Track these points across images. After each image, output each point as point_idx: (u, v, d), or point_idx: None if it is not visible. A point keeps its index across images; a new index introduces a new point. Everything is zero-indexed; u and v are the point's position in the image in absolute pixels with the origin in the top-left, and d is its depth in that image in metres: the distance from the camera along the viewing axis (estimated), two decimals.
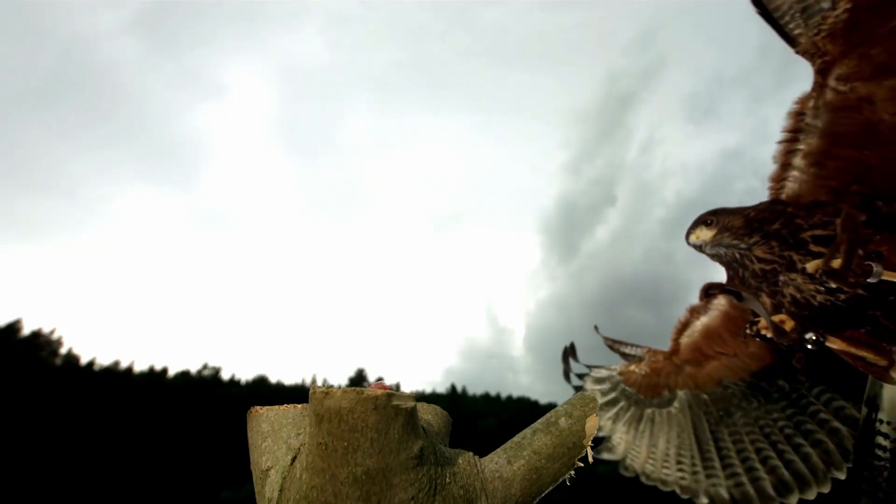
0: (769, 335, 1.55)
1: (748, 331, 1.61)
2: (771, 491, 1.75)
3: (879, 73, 1.23)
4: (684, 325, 1.96)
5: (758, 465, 1.80)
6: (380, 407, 0.77)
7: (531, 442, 0.89)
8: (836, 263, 1.36)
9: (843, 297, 1.43)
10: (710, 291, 1.41)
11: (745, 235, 1.59)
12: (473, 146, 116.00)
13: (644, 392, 2.01)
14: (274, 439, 0.89)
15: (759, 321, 1.57)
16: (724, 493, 1.81)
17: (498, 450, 0.90)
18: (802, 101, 1.46)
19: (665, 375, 1.99)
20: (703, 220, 1.72)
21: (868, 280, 1.33)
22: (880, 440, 1.59)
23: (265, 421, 0.92)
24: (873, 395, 1.63)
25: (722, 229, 1.64)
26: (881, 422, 1.60)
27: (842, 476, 1.70)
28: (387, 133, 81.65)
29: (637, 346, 2.08)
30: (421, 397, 0.94)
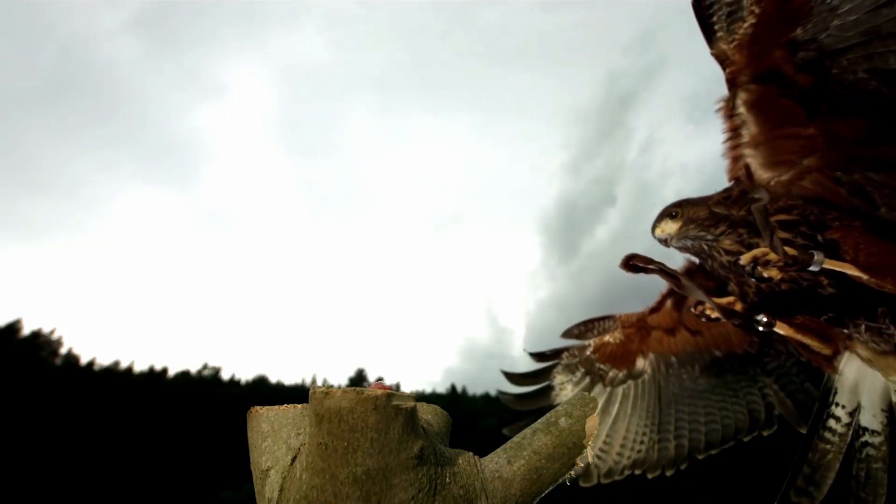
0: (714, 316, 1.55)
1: (693, 310, 1.61)
2: (702, 445, 1.92)
3: (775, 79, 1.36)
4: (670, 292, 1.98)
5: (700, 426, 1.93)
6: (380, 407, 0.77)
7: (531, 442, 0.89)
8: (773, 256, 1.35)
9: (805, 284, 1.42)
10: (631, 262, 1.30)
11: (710, 226, 1.57)
12: (473, 146, 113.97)
13: (618, 363, 2.04)
14: (274, 439, 0.89)
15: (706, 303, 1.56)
16: (670, 453, 1.96)
17: (498, 450, 0.90)
18: (726, 101, 1.51)
19: (638, 341, 2.03)
20: (668, 213, 1.69)
21: (811, 269, 1.32)
22: (831, 423, 1.55)
23: (265, 421, 0.92)
24: (833, 380, 1.60)
25: (687, 221, 1.61)
26: (837, 405, 1.56)
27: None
28: (387, 133, 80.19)
29: (607, 317, 2.09)
30: (421, 397, 0.95)
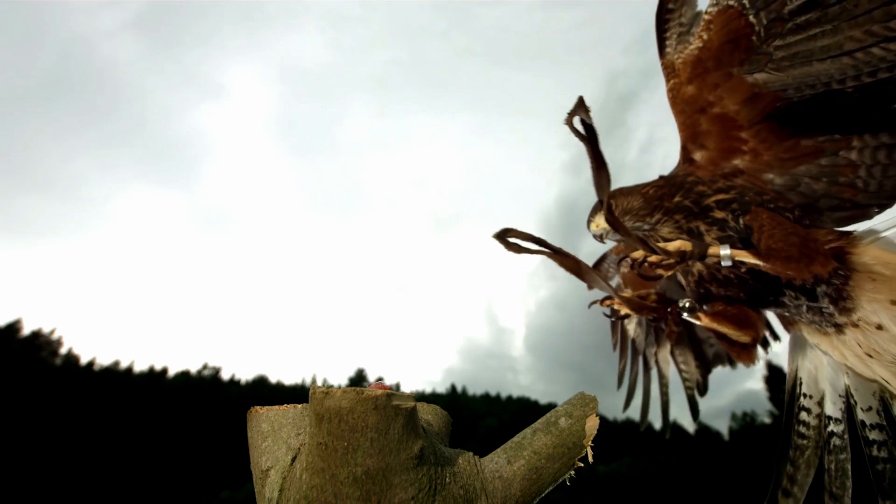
0: (624, 311, 1.48)
1: (600, 303, 1.54)
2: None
3: (715, 87, 1.40)
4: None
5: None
6: (380, 407, 0.77)
7: (531, 442, 0.89)
8: (654, 258, 1.34)
9: (743, 269, 1.39)
10: (507, 237, 1.13)
11: (646, 216, 1.51)
12: (473, 146, 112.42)
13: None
14: (274, 439, 0.89)
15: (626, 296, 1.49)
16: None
17: (498, 450, 0.90)
18: (676, 113, 1.53)
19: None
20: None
21: (722, 263, 1.30)
22: (804, 416, 1.50)
23: (265, 421, 0.92)
24: (794, 371, 1.56)
25: (622, 213, 1.54)
26: (805, 396, 1.51)
27: None
28: (387, 133, 79.30)
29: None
30: (421, 397, 0.95)
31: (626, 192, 1.57)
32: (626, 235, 1.25)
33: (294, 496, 0.80)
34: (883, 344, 1.26)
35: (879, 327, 1.25)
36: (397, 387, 1.00)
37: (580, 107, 1.03)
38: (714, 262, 1.33)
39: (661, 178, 1.55)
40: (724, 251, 1.30)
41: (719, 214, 1.41)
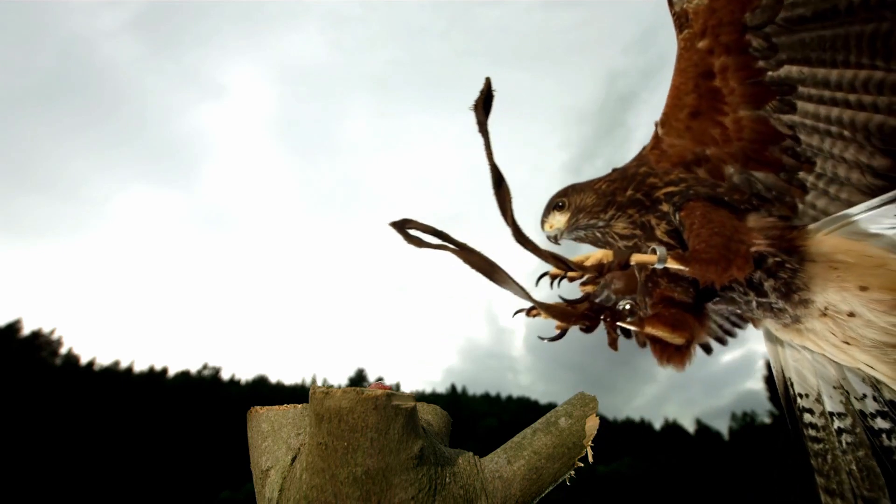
0: (545, 317, 1.38)
1: (526, 314, 1.42)
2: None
3: (727, 50, 1.35)
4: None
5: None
6: (380, 407, 0.77)
7: (531, 442, 0.89)
8: (573, 274, 1.29)
9: (661, 277, 1.37)
10: (406, 228, 1.03)
11: (600, 212, 1.46)
12: (473, 146, 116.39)
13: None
14: (274, 439, 0.89)
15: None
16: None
17: (498, 450, 0.90)
18: (678, 71, 1.46)
19: None
20: (555, 204, 1.54)
21: (656, 266, 1.26)
22: (809, 418, 1.43)
23: (265, 421, 0.92)
24: (780, 372, 1.50)
25: (576, 211, 1.49)
26: (801, 397, 1.45)
27: None
28: (387, 133, 79.52)
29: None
30: (421, 397, 0.95)
31: (578, 188, 1.52)
32: (535, 252, 1.17)
33: (294, 496, 0.80)
34: (858, 330, 1.23)
35: (851, 314, 1.22)
36: (397, 387, 1.00)
37: (489, 91, 0.97)
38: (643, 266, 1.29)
39: (615, 170, 1.51)
40: (662, 254, 1.25)
41: (665, 208, 1.38)
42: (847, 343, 1.26)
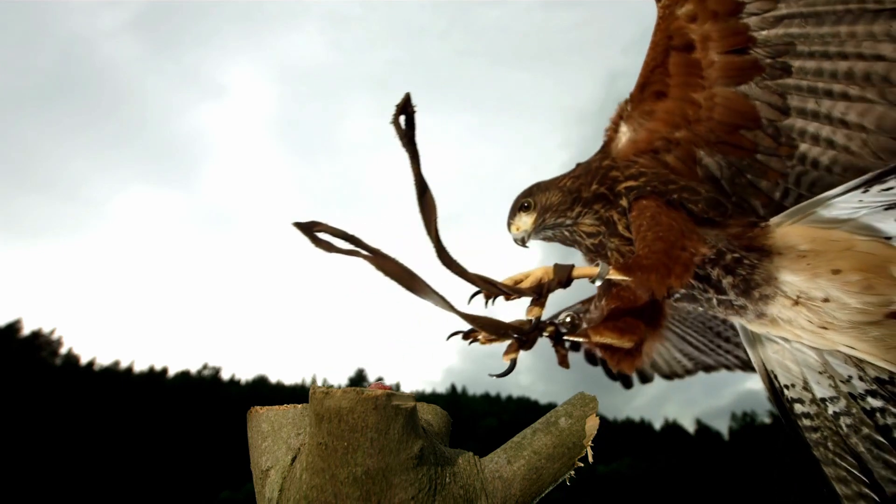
0: (484, 340, 1.25)
1: (464, 339, 1.25)
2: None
3: (714, 16, 1.28)
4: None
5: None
6: (380, 407, 0.77)
7: (531, 442, 0.89)
8: (513, 296, 1.20)
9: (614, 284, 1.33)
10: (314, 231, 0.94)
11: (567, 210, 1.41)
12: (473, 146, 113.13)
13: None
14: (274, 439, 0.90)
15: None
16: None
17: (498, 450, 0.90)
18: (653, 44, 1.39)
19: None
20: (520, 205, 1.48)
21: (596, 281, 1.21)
22: (800, 408, 1.38)
23: (265, 421, 0.93)
24: (762, 367, 1.47)
25: (542, 211, 1.44)
26: (788, 387, 1.42)
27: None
28: (387, 133, 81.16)
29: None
30: (421, 397, 0.95)
31: (543, 187, 1.47)
32: (462, 276, 1.09)
33: (294, 496, 0.80)
34: (834, 314, 1.21)
35: (826, 300, 1.21)
36: (397, 387, 1.00)
37: (408, 106, 0.92)
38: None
39: (579, 165, 1.47)
40: (604, 270, 1.20)
41: (625, 203, 1.34)
42: (824, 328, 1.24)
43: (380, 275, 0.98)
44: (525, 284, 1.21)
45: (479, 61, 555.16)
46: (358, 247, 0.98)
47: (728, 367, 1.83)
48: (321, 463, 0.78)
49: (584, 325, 1.38)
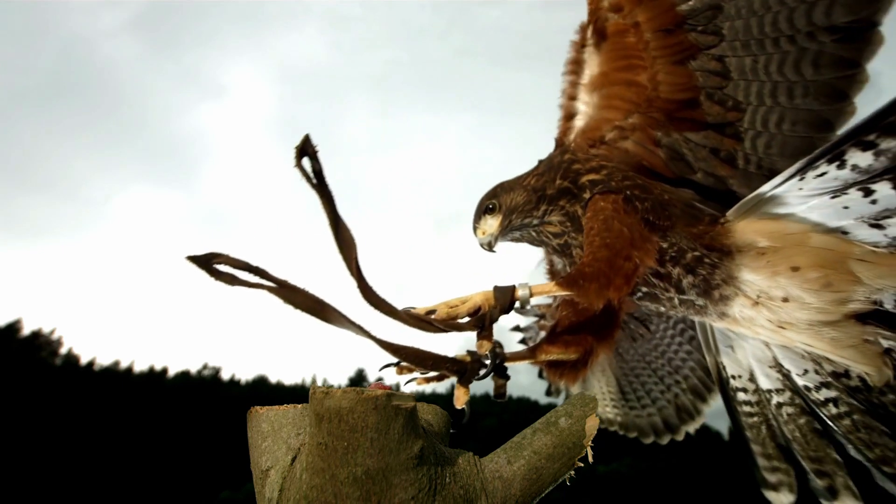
0: (421, 381, 1.17)
1: (398, 372, 1.15)
2: (674, 419, 1.75)
3: (637, 1, 1.29)
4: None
5: (655, 397, 1.78)
6: (380, 407, 0.77)
7: (531, 442, 0.89)
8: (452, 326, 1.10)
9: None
10: (212, 263, 0.86)
11: (532, 209, 1.36)
12: (473, 146, 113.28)
13: None
14: (274, 439, 0.90)
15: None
16: (643, 423, 1.80)
17: (498, 450, 0.90)
18: (582, 29, 1.41)
19: None
20: (485, 208, 1.42)
21: (516, 306, 1.13)
22: (742, 396, 1.44)
23: (265, 421, 0.93)
24: (714, 358, 1.49)
25: (508, 212, 1.38)
26: (733, 377, 1.45)
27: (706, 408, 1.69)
28: (387, 133, 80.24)
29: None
30: (421, 397, 0.95)
31: (507, 187, 1.42)
32: (389, 314, 1.00)
33: (294, 496, 0.80)
34: (794, 313, 1.19)
35: (786, 299, 1.18)
36: (397, 387, 1.00)
37: (308, 147, 0.87)
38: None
39: (541, 162, 1.44)
40: (524, 292, 1.12)
41: (588, 196, 1.31)
42: (783, 328, 1.23)
43: (289, 308, 0.89)
44: (462, 311, 1.10)
45: (479, 61, 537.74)
46: (263, 278, 0.91)
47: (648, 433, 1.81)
48: (321, 463, 0.78)
49: (533, 342, 1.30)
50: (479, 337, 1.12)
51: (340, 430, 0.76)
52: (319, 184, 0.91)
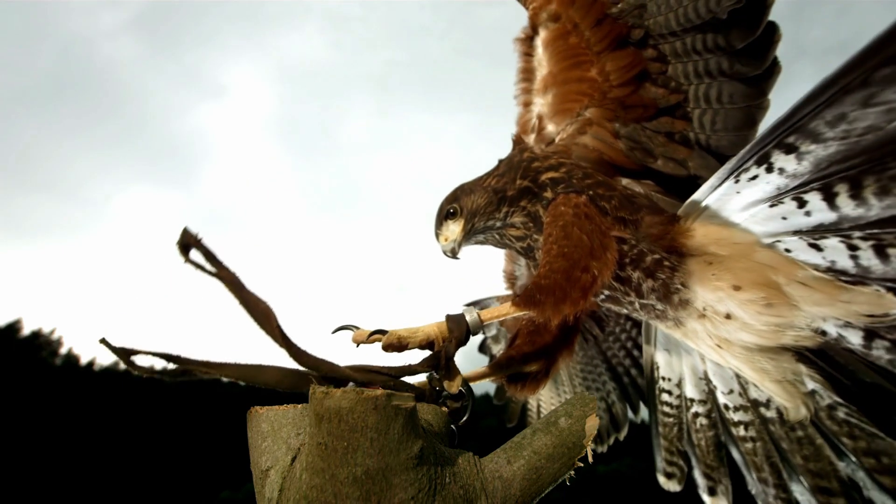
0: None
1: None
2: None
3: (569, 3, 1.34)
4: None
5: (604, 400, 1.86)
6: (380, 407, 0.77)
7: (531, 442, 0.89)
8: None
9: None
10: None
11: (494, 211, 1.33)
12: (473, 146, 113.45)
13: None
14: (274, 439, 0.90)
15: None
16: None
17: (498, 450, 0.91)
18: (522, 40, 1.45)
19: None
20: (446, 213, 1.38)
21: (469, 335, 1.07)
22: (665, 398, 1.49)
23: (265, 421, 0.93)
24: (650, 355, 1.52)
25: (470, 216, 1.34)
26: (664, 379, 1.48)
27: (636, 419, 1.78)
28: (387, 133, 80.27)
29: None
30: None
31: (468, 189, 1.38)
32: (331, 371, 0.94)
33: (294, 496, 0.80)
34: (734, 333, 1.16)
35: (728, 317, 1.14)
36: None
37: (189, 238, 0.83)
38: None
39: (501, 162, 1.42)
40: (472, 316, 1.07)
41: (549, 195, 1.28)
42: (720, 346, 1.21)
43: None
44: (412, 344, 1.03)
45: (479, 61, 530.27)
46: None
47: None
48: (321, 463, 0.78)
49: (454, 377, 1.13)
50: (441, 378, 1.03)
51: (340, 430, 0.76)
52: (217, 268, 0.87)
